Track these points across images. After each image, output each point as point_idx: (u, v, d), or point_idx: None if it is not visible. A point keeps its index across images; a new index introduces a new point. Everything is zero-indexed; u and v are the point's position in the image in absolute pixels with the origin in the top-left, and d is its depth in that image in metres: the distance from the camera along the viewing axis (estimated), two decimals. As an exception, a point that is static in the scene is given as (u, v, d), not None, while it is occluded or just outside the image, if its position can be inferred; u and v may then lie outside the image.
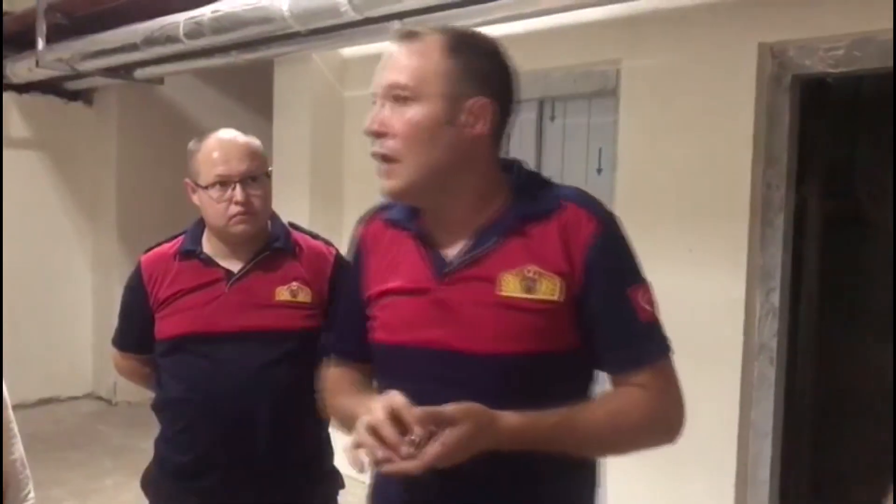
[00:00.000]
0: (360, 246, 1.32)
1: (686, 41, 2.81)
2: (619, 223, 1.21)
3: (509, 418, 1.07)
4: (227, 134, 1.81)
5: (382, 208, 1.31)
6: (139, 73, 4.72)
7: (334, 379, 1.34)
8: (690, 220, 2.81)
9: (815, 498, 3.28)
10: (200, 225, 1.85)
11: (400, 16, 2.99)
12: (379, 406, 1.05)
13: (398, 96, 1.15)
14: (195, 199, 1.81)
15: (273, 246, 1.82)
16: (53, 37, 4.36)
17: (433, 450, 1.00)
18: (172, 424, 1.83)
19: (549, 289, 1.15)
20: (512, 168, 1.24)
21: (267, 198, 1.80)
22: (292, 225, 1.92)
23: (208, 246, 1.83)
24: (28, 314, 5.14)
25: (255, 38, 3.64)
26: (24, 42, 4.67)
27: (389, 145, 1.16)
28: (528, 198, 1.20)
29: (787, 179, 2.70)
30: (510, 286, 1.15)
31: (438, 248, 1.21)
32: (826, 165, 3.20)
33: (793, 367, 2.91)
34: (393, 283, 1.22)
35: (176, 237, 1.89)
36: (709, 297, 2.75)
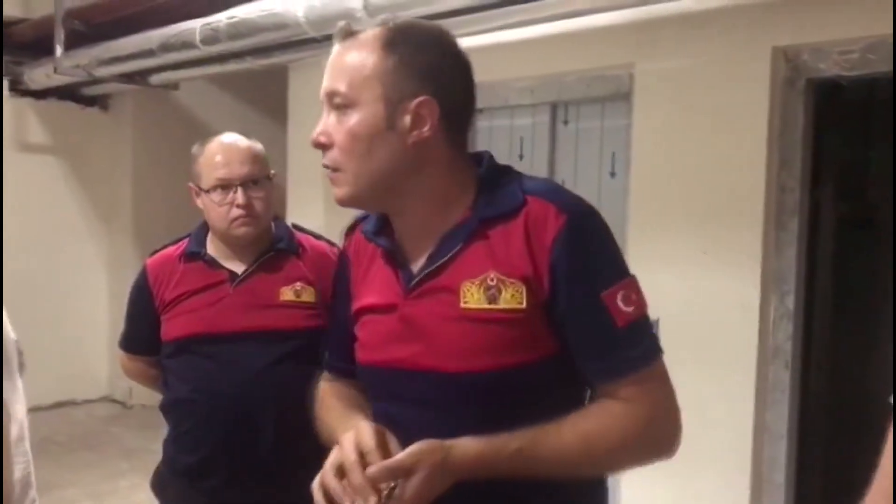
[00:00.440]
0: (345, 259, 1.27)
1: (699, 45, 2.81)
2: (594, 217, 1.10)
3: (466, 449, 1.00)
4: (229, 138, 1.83)
5: (362, 219, 1.25)
6: (155, 78, 4.76)
7: (324, 394, 1.31)
8: (704, 223, 2.81)
9: (830, 501, 3.26)
10: (205, 227, 1.88)
11: (414, 21, 3.01)
12: (347, 443, 1.02)
13: (337, 104, 1.09)
14: (199, 202, 1.84)
15: (276, 247, 1.84)
16: (71, 43, 4.42)
17: None
18: (179, 425, 1.85)
19: (512, 297, 1.05)
20: (481, 164, 1.15)
21: (269, 201, 1.82)
22: (295, 226, 1.95)
23: (213, 248, 1.85)
24: (44, 317, 5.18)
25: (271, 44, 3.67)
26: (42, 49, 4.73)
27: (331, 156, 1.10)
28: (491, 196, 1.10)
29: (801, 182, 2.69)
30: (473, 297, 1.06)
31: (408, 259, 1.13)
32: (840, 168, 3.19)
33: (807, 371, 2.90)
34: (367, 300, 1.17)
35: (181, 240, 1.92)
36: (723, 301, 2.75)
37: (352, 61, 1.08)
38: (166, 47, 3.94)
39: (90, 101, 5.61)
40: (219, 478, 1.78)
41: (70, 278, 5.58)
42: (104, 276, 5.77)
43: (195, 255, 1.85)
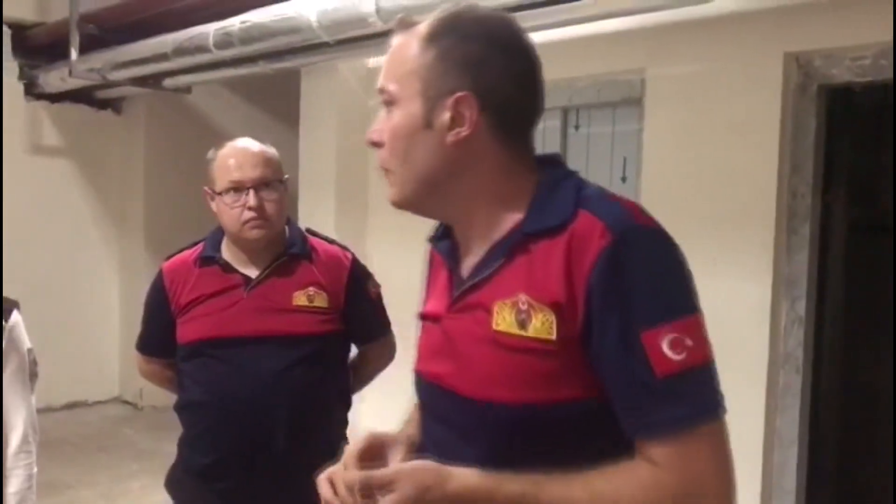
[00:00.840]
0: (427, 265, 1.19)
1: (711, 50, 2.82)
2: (650, 239, 0.94)
3: (464, 478, 0.90)
4: (242, 142, 1.86)
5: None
6: (168, 82, 4.80)
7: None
8: (715, 228, 2.81)
9: (841, 508, 3.25)
10: (220, 232, 1.90)
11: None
12: (354, 446, 1.01)
13: (385, 101, 1.03)
14: (213, 206, 1.86)
15: (290, 252, 1.86)
16: (86, 47, 4.46)
17: None
18: (193, 426, 1.88)
19: (542, 325, 0.92)
20: (546, 167, 1.04)
21: (281, 204, 1.84)
22: (309, 231, 1.96)
23: (227, 252, 1.87)
24: (56, 319, 5.21)
25: (283, 48, 3.69)
26: (57, 52, 4.78)
27: (380, 155, 1.04)
28: (544, 206, 0.98)
29: (812, 188, 2.69)
30: (504, 320, 0.95)
31: (462, 269, 1.05)
32: (852, 174, 3.18)
33: (818, 376, 2.89)
34: (426, 307, 1.13)
35: (196, 244, 1.94)
36: (734, 306, 2.75)
37: (397, 56, 1.02)
38: (180, 51, 3.97)
39: (104, 105, 5.65)
40: (232, 479, 1.80)
41: (82, 280, 5.61)
42: (116, 278, 5.80)
43: (210, 259, 1.87)
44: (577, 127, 3.41)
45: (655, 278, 0.91)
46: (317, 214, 4.03)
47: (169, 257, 1.96)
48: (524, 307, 0.94)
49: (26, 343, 1.66)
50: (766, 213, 2.70)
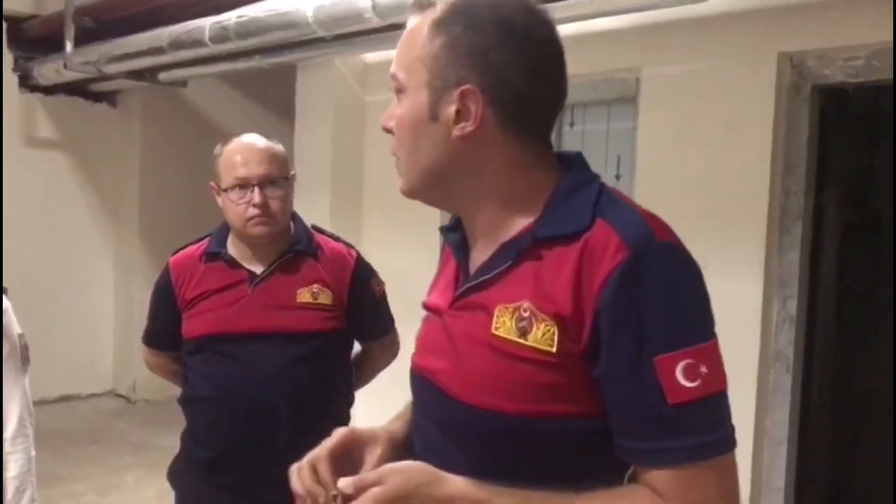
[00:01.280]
0: (440, 254, 1.15)
1: (706, 50, 2.83)
2: (668, 257, 0.88)
3: (457, 485, 0.86)
4: (249, 138, 1.86)
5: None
6: (164, 75, 4.79)
7: None
8: (708, 226, 2.83)
9: (830, 506, 3.27)
10: (226, 227, 1.90)
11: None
12: (327, 442, 1.00)
13: (395, 88, 0.98)
14: (219, 201, 1.87)
15: (295, 248, 1.87)
16: (81, 40, 4.45)
17: None
18: (197, 420, 1.89)
19: (542, 335, 0.87)
20: (568, 167, 0.98)
21: (286, 201, 1.84)
22: (315, 227, 1.97)
23: (233, 248, 1.88)
24: (50, 311, 5.22)
25: (279, 43, 3.69)
26: (52, 45, 4.77)
27: (393, 142, 1.00)
28: (559, 211, 0.92)
29: (805, 187, 2.71)
30: (504, 325, 0.91)
31: (469, 264, 1.01)
32: (845, 174, 3.20)
33: (809, 375, 2.91)
34: (429, 298, 1.08)
35: (202, 239, 1.94)
36: (725, 304, 2.73)
37: (407, 41, 0.97)
38: (176, 45, 3.96)
39: (99, 98, 5.64)
40: (234, 473, 1.81)
41: (76, 273, 5.61)
42: (110, 271, 5.80)
43: (216, 255, 1.88)
44: (572, 124, 3.43)
45: (672, 300, 0.85)
46: (312, 209, 4.03)
47: (176, 252, 1.97)
48: (526, 315, 0.89)
49: (17, 328, 1.67)
50: (759, 211, 2.72)
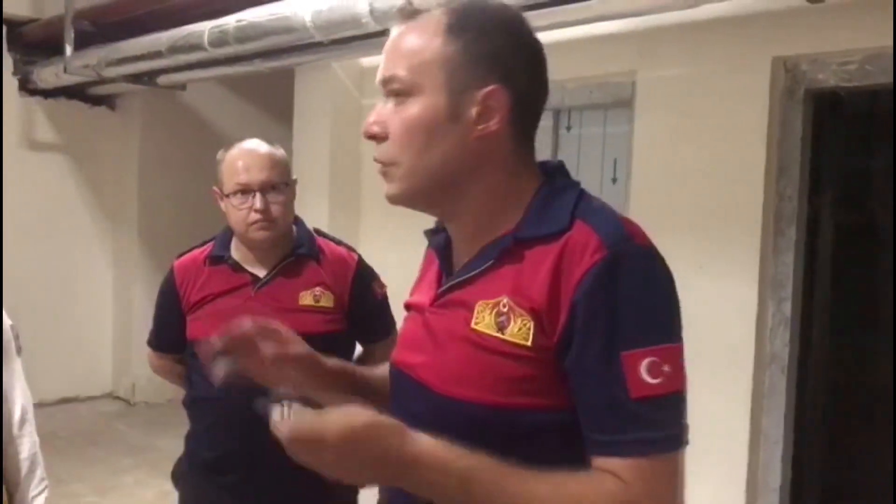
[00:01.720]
0: (423, 259, 1.19)
1: (701, 54, 2.85)
2: (643, 260, 0.93)
3: (421, 443, 0.88)
4: (251, 144, 1.88)
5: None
6: (163, 79, 4.81)
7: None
8: (703, 228, 2.85)
9: (825, 507, 3.29)
10: (229, 231, 1.93)
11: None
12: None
13: (395, 91, 0.98)
14: (222, 205, 1.89)
15: (297, 252, 1.89)
16: (80, 44, 4.47)
17: (288, 422, 0.89)
18: (200, 421, 1.92)
19: (519, 330, 0.92)
20: (550, 174, 1.03)
21: (287, 206, 1.87)
22: (317, 231, 1.99)
23: (236, 252, 1.91)
24: (49, 314, 5.24)
25: (278, 47, 3.71)
26: (52, 48, 4.79)
27: (384, 149, 1.00)
28: (540, 213, 0.97)
29: (799, 191, 2.73)
30: (483, 320, 0.95)
31: (452, 264, 1.05)
32: (840, 177, 3.22)
33: (804, 377, 2.93)
34: (412, 297, 1.13)
35: (206, 243, 1.97)
36: (721, 306, 2.79)
37: (411, 45, 0.98)
38: (175, 49, 3.98)
39: (98, 101, 5.66)
40: (237, 473, 1.84)
41: (75, 276, 5.63)
42: (109, 274, 5.82)
43: (219, 258, 1.90)
44: (568, 128, 3.45)
45: (643, 301, 0.90)
46: (310, 211, 4.04)
47: (180, 255, 1.99)
48: (505, 310, 0.93)
49: (7, 320, 1.71)
50: (754, 214, 2.74)
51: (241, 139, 1.92)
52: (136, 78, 4.73)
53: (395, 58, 0.99)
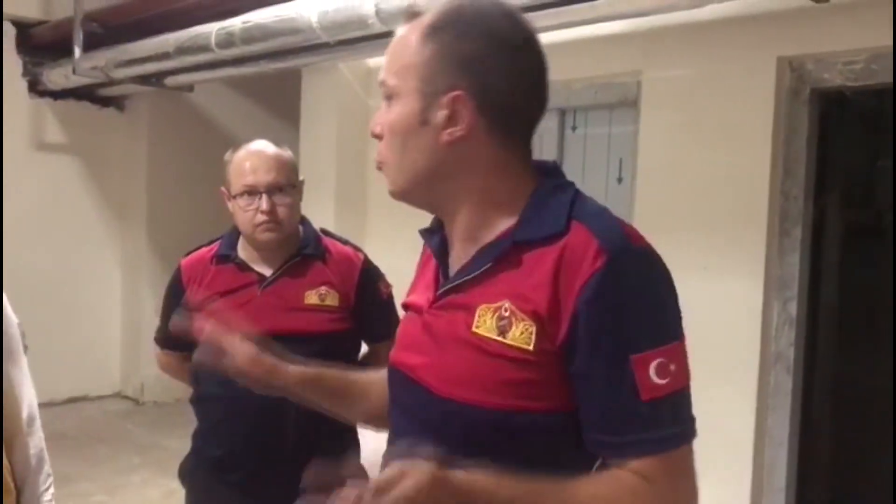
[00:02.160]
0: (420, 258, 1.19)
1: (706, 54, 2.86)
2: (644, 261, 0.94)
3: (459, 478, 0.88)
4: (258, 145, 1.89)
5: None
6: (170, 80, 4.83)
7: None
8: (709, 228, 2.85)
9: (831, 507, 3.29)
10: (236, 231, 1.94)
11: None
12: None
13: (386, 94, 1.01)
14: (229, 206, 1.91)
15: (303, 252, 1.90)
16: (89, 45, 4.49)
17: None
18: (206, 419, 1.94)
19: (521, 334, 0.92)
20: (545, 176, 1.03)
21: (294, 208, 1.88)
22: (324, 231, 2.00)
23: (243, 251, 1.92)
24: (58, 314, 5.26)
25: (284, 48, 3.73)
26: (61, 50, 4.82)
27: (379, 148, 1.03)
28: (536, 215, 0.97)
29: (804, 190, 2.73)
30: (485, 324, 0.95)
31: (450, 265, 1.05)
32: (846, 176, 3.22)
33: (810, 377, 2.93)
34: (410, 297, 1.13)
35: (213, 242, 1.98)
36: (726, 306, 2.79)
37: (396, 49, 1.00)
38: (182, 50, 4.00)
39: (107, 102, 5.69)
40: (243, 471, 1.85)
41: (84, 276, 5.65)
42: (118, 274, 5.84)
43: (226, 257, 1.92)
44: (574, 128, 3.45)
45: (647, 304, 0.91)
46: (317, 211, 4.06)
47: (188, 254, 2.01)
48: (506, 314, 0.93)
49: (14, 318, 1.72)
50: (759, 214, 2.74)
51: (249, 140, 1.93)
52: (143, 79, 4.75)
53: (387, 61, 1.01)
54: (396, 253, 3.66)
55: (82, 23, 4.43)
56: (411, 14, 1.01)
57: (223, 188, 1.91)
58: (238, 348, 1.22)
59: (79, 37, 4.46)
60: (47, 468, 1.67)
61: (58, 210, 5.45)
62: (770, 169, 2.73)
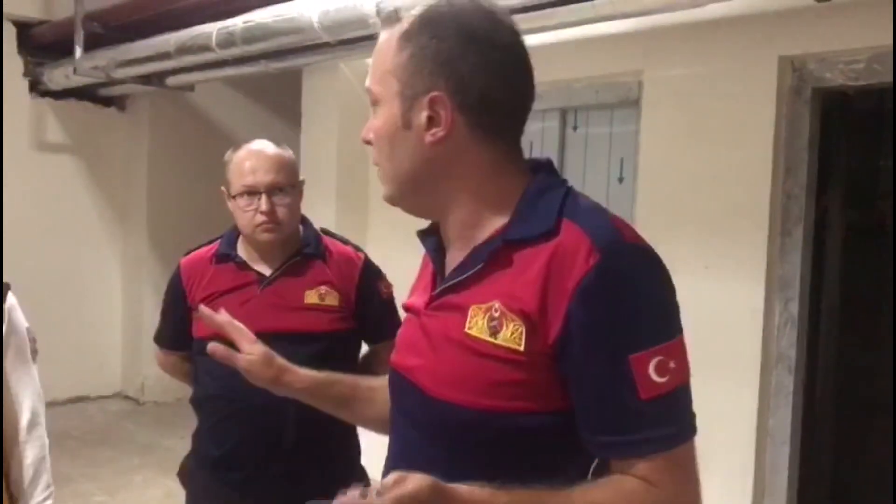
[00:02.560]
0: (422, 261, 1.18)
1: (707, 54, 2.85)
2: (638, 258, 0.92)
3: (459, 489, 0.86)
4: (258, 145, 1.89)
5: None
6: (171, 80, 4.83)
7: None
8: (710, 228, 2.85)
9: (833, 507, 3.28)
10: (236, 230, 1.94)
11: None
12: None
13: (372, 101, 1.03)
14: (229, 205, 1.90)
15: (304, 251, 1.90)
16: (90, 45, 4.50)
17: None
18: (207, 419, 1.93)
19: (511, 335, 0.91)
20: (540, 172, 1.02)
21: (294, 208, 1.87)
22: (324, 230, 2.00)
23: (243, 250, 1.92)
24: (59, 314, 5.26)
25: (285, 48, 3.73)
26: (62, 50, 4.82)
27: (374, 153, 1.05)
28: (527, 214, 0.96)
29: (806, 190, 2.73)
30: (477, 324, 0.94)
31: (446, 266, 1.05)
32: (847, 176, 3.21)
33: (811, 377, 2.93)
34: (409, 299, 1.13)
35: (213, 241, 1.98)
36: (728, 306, 2.78)
37: (378, 55, 1.01)
38: (183, 50, 4.00)
39: (108, 102, 5.69)
40: (244, 471, 1.85)
41: (85, 276, 5.66)
42: (119, 273, 5.85)
43: (226, 256, 1.92)
44: (575, 128, 3.45)
45: (644, 301, 0.90)
46: (318, 211, 4.06)
47: (187, 253, 2.00)
48: (497, 315, 0.92)
49: (24, 322, 1.71)
50: (760, 214, 2.74)
51: (249, 140, 1.93)
52: (144, 79, 4.75)
53: (371, 69, 1.02)
54: (397, 253, 3.66)
55: (83, 22, 4.43)
56: (389, 19, 1.03)
57: (223, 188, 1.91)
58: (251, 347, 1.26)
59: (80, 36, 4.46)
60: (47, 478, 1.64)
61: (58, 210, 5.45)
62: (771, 168, 2.72)
